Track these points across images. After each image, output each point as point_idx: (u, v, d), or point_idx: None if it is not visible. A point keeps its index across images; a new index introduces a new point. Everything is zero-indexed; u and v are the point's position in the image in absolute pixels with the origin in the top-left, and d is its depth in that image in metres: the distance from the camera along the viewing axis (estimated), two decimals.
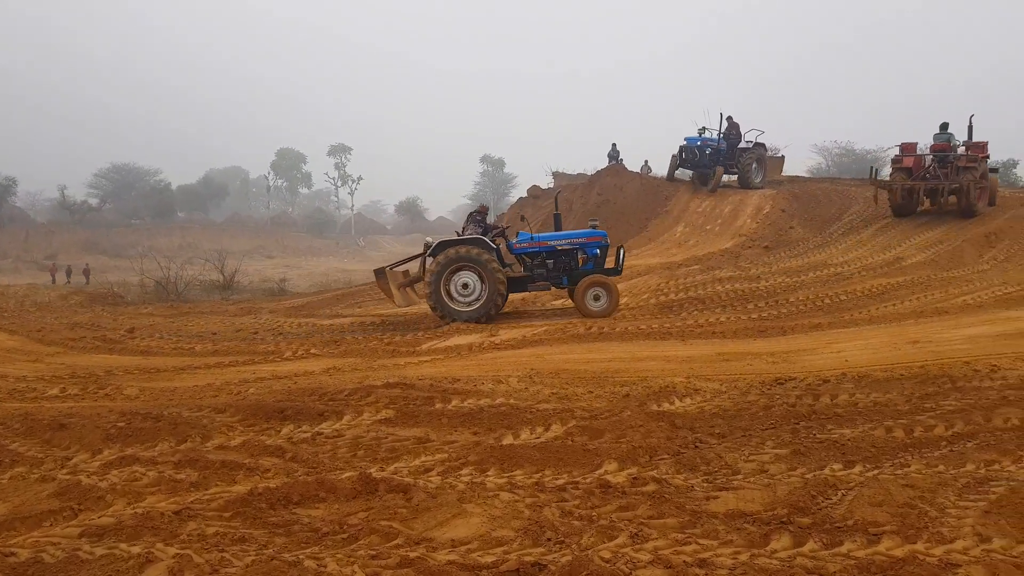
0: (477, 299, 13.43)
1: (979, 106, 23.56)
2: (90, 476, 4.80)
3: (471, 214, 14.64)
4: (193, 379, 8.76)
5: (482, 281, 13.41)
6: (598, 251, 14.18)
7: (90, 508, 4.23)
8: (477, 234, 13.80)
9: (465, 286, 13.43)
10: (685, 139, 27.19)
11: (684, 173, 28.67)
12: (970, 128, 21.02)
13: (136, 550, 3.61)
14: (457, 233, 14.29)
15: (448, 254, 13.37)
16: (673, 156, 27.52)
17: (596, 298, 13.52)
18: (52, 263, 50.89)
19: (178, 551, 3.59)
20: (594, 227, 14.61)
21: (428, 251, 13.81)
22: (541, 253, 14.12)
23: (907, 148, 21.46)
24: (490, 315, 13.41)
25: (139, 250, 46.60)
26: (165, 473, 4.85)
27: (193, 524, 3.96)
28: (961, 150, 20.72)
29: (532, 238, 14.17)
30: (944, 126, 21.37)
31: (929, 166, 20.84)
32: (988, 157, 20.87)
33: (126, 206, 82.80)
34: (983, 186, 20.53)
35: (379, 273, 14.59)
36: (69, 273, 46.87)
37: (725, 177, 27.18)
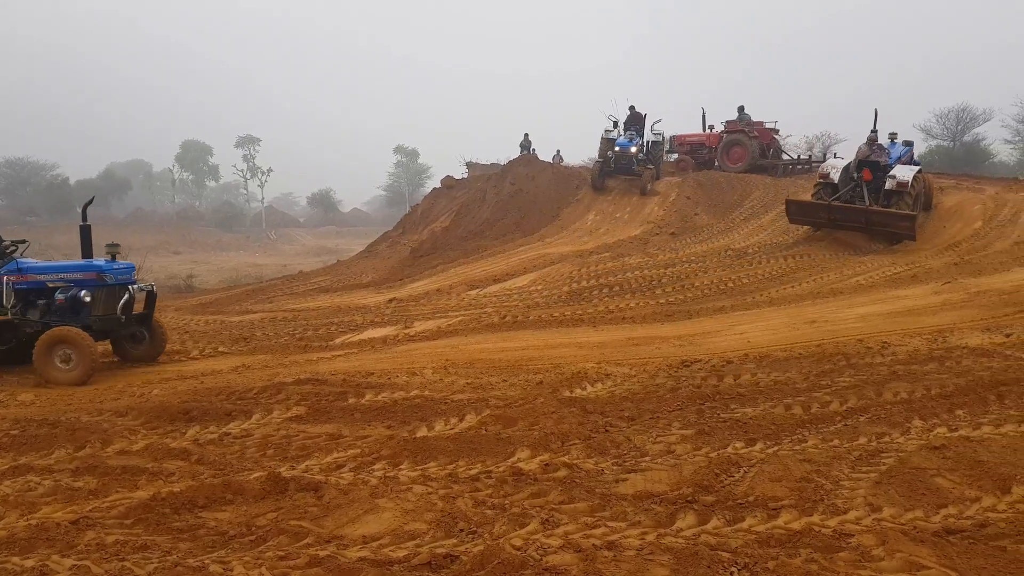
0: None
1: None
2: None
3: (868, 143, 18.06)
4: (92, 382, 8.39)
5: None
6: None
7: None
8: (882, 160, 17.35)
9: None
10: (617, 144, 24.93)
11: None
12: (703, 116, 29.52)
13: (30, 563, 3.45)
14: (877, 161, 17.36)
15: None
16: (598, 162, 25.41)
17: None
18: None
19: (75, 562, 3.45)
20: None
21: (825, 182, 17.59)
22: None
23: (730, 126, 28.55)
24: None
25: (36, 248, 44.17)
26: (62, 481, 4.64)
27: (92, 533, 3.81)
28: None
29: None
30: (741, 108, 28.56)
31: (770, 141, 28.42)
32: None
33: (20, 203, 78.42)
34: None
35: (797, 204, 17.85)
36: None
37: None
